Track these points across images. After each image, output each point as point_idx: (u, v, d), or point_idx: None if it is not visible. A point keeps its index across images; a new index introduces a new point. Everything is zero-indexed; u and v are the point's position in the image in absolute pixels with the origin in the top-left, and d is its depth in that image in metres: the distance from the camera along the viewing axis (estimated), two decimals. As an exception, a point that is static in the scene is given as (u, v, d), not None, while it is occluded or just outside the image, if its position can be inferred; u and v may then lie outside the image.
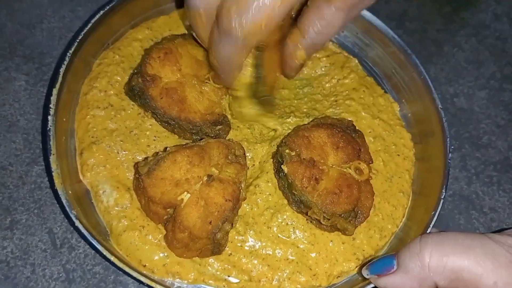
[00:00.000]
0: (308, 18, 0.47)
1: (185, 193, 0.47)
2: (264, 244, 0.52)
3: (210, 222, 0.46)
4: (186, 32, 0.62)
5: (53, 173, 0.48)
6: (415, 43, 0.76)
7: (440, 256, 0.41)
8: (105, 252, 0.46)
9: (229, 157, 0.50)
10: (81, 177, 0.53)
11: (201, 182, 0.47)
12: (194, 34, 0.49)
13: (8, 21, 0.66)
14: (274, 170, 0.54)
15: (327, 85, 0.63)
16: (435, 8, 0.81)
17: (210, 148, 0.49)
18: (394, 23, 0.78)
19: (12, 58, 0.64)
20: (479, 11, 0.82)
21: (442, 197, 0.53)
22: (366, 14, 0.64)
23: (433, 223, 0.52)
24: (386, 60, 0.65)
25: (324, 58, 0.65)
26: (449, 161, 0.56)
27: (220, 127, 0.54)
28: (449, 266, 0.41)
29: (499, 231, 0.62)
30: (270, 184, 0.54)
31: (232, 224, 0.49)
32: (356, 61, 0.66)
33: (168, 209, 0.48)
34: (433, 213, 0.52)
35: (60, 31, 0.67)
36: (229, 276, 0.50)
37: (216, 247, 0.48)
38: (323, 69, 0.65)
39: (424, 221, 0.53)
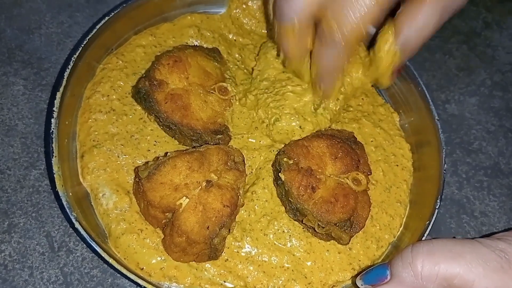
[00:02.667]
0: (404, 15, 0.48)
1: (184, 198, 0.47)
2: (260, 251, 0.52)
3: (208, 227, 0.47)
4: (189, 39, 0.63)
5: (55, 175, 0.49)
6: (407, 50, 0.77)
7: (432, 264, 0.41)
8: (103, 254, 0.47)
9: (229, 164, 0.51)
10: (81, 180, 0.53)
11: (200, 187, 0.48)
12: (282, 47, 0.51)
13: (7, 26, 0.67)
14: (273, 178, 0.55)
15: None
16: (427, 16, 0.83)
17: (210, 154, 0.50)
18: (387, 30, 0.79)
19: (10, 63, 0.64)
20: (470, 19, 0.83)
21: (437, 207, 0.54)
22: None
23: (427, 232, 0.52)
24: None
25: None
26: (444, 171, 0.56)
27: (220, 136, 0.55)
28: (441, 274, 0.41)
29: (490, 235, 0.63)
30: (266, 191, 0.55)
31: (229, 230, 0.49)
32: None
33: (167, 213, 0.48)
34: (427, 222, 0.53)
35: (59, 37, 0.68)
36: (225, 282, 0.51)
37: (213, 252, 0.49)
38: None
39: (418, 229, 0.54)
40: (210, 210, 0.47)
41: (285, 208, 0.54)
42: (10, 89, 0.63)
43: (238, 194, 0.50)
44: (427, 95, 0.61)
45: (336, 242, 0.53)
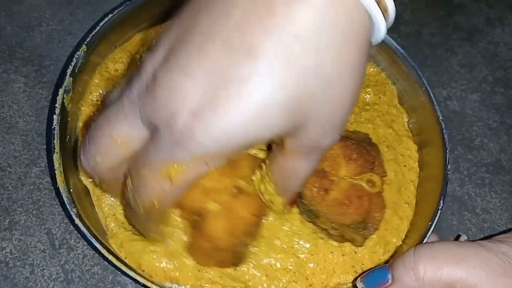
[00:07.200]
0: (272, 170, 0.43)
1: (213, 202, 0.45)
2: (265, 252, 0.51)
3: (235, 235, 0.45)
4: None
5: (56, 171, 0.49)
6: (409, 47, 0.77)
7: (435, 269, 0.41)
8: (102, 251, 0.46)
9: None
10: (82, 178, 0.53)
11: (230, 193, 0.46)
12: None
13: (7, 23, 0.67)
14: None
15: None
16: (429, 12, 0.82)
17: (240, 159, 0.48)
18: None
19: (11, 60, 0.64)
20: (472, 15, 0.83)
21: (440, 208, 0.53)
22: None
23: (429, 233, 0.52)
24: (389, 70, 0.66)
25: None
26: (447, 171, 0.55)
27: None
28: (444, 279, 0.40)
29: (491, 233, 0.63)
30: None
31: (254, 239, 0.48)
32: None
33: (194, 216, 0.46)
34: (429, 223, 0.52)
35: (59, 34, 0.68)
36: (225, 282, 0.50)
37: (237, 259, 0.48)
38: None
39: (420, 229, 0.53)
40: (238, 218, 0.45)
41: (299, 210, 0.53)
42: (11, 87, 0.63)
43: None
44: (432, 95, 0.60)
45: (341, 245, 0.53)
